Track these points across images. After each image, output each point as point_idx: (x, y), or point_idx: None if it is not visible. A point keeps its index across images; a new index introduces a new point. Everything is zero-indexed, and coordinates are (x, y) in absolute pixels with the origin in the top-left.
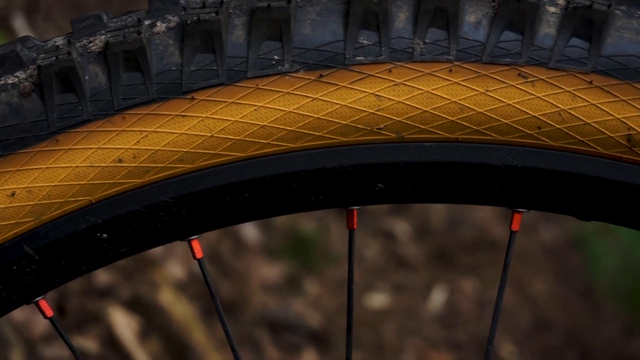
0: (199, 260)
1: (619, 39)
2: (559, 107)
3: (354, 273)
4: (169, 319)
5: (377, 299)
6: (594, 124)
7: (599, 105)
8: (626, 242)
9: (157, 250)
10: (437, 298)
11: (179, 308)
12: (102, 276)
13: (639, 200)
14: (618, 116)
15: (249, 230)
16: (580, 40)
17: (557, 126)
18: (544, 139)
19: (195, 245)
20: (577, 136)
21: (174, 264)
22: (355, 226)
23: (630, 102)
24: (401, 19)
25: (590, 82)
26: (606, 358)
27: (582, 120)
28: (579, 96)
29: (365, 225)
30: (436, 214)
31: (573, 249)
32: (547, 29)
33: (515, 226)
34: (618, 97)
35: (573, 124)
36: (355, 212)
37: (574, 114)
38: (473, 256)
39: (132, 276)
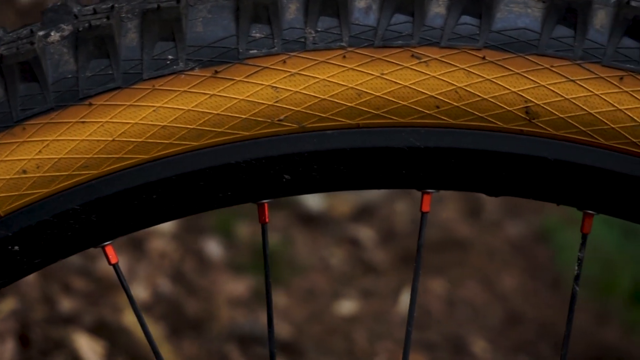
0: (114, 266)
1: (508, 13)
2: (455, 85)
3: (269, 267)
4: (134, 341)
5: (346, 306)
6: (491, 99)
7: (494, 80)
8: (591, 231)
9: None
10: (407, 300)
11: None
12: (65, 303)
13: (543, 172)
14: (514, 89)
15: (212, 247)
16: (471, 17)
17: (455, 104)
18: (444, 118)
19: (109, 251)
20: (476, 112)
21: (137, 285)
22: (267, 220)
23: (525, 74)
24: (292, 10)
25: (484, 58)
26: (579, 348)
27: (479, 96)
28: (473, 72)
29: (329, 233)
30: (400, 217)
31: (539, 242)
32: (437, 9)
33: (426, 207)
34: (512, 70)
35: (470, 101)
36: (266, 205)
37: (471, 90)
38: (439, 256)
39: (95, 301)
